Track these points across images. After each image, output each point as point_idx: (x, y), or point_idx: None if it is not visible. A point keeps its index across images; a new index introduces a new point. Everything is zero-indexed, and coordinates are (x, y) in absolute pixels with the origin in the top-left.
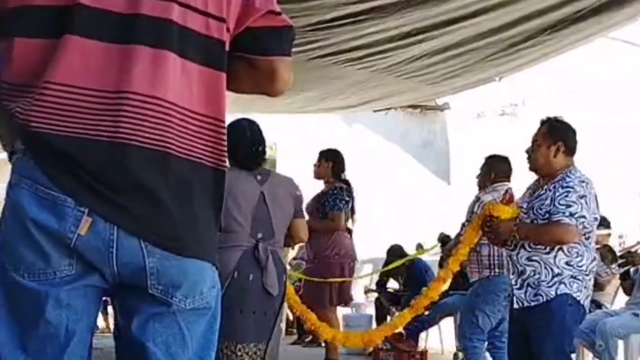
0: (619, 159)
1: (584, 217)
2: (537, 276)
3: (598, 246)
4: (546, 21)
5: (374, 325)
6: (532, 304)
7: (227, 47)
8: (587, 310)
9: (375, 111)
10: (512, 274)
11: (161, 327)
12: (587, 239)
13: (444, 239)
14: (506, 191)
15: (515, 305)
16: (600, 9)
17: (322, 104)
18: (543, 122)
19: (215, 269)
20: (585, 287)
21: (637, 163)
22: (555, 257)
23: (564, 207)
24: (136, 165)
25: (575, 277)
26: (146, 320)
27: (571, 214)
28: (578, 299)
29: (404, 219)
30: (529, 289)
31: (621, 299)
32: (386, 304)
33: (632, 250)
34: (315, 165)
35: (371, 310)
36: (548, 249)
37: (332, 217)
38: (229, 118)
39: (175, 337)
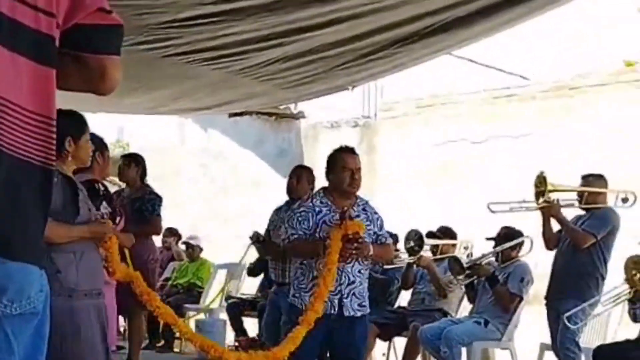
0: (465, 170)
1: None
2: (362, 286)
3: (446, 256)
4: (397, 34)
5: (228, 330)
6: (358, 313)
7: (57, 43)
8: None
9: (230, 115)
10: (341, 284)
11: None
12: None
13: (258, 237)
14: (345, 210)
15: (346, 314)
16: (449, 27)
17: (175, 104)
18: None
19: (44, 272)
20: None
21: (484, 175)
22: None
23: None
24: None
25: None
26: None
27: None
28: None
29: (259, 226)
30: (354, 298)
31: (466, 307)
32: (242, 309)
33: (478, 262)
34: (124, 167)
35: (224, 315)
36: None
37: (154, 221)
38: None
39: (0, 344)
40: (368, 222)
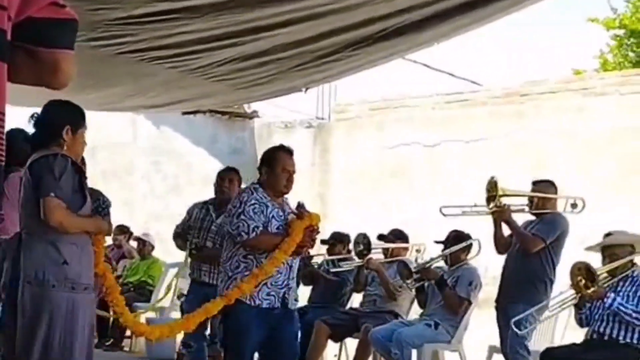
0: (417, 174)
1: None
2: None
3: (397, 258)
4: (353, 37)
5: None
6: (296, 306)
7: (9, 37)
8: None
9: (184, 113)
10: (288, 278)
11: None
12: None
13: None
14: (302, 205)
15: (289, 307)
16: (403, 31)
17: (128, 102)
18: None
19: None
20: None
21: (436, 179)
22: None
23: None
24: None
25: None
26: None
27: None
28: None
29: None
30: (293, 292)
31: (417, 309)
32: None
33: (427, 266)
34: None
35: (177, 314)
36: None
37: None
38: (31, 111)
39: None
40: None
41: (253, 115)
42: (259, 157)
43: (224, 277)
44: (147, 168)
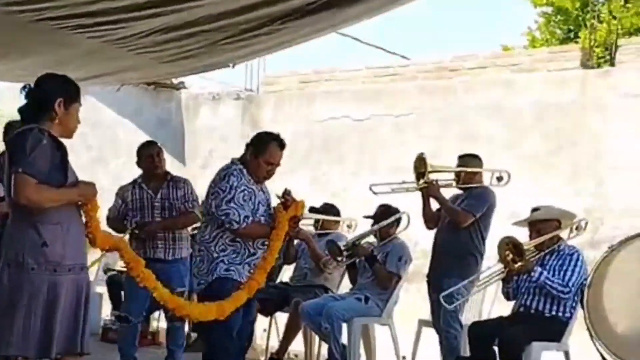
0: (347, 148)
1: None
2: None
3: (328, 231)
4: (279, 10)
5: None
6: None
7: None
8: None
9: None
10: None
11: None
12: None
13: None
14: (289, 192)
15: None
16: (332, 4)
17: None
18: None
19: None
20: None
21: (366, 153)
22: None
23: None
24: None
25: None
26: None
27: None
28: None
29: None
30: None
31: (348, 283)
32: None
33: (357, 242)
34: None
35: (102, 288)
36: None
37: None
38: None
39: None
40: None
41: (179, 86)
42: (186, 128)
43: (207, 257)
44: (71, 139)
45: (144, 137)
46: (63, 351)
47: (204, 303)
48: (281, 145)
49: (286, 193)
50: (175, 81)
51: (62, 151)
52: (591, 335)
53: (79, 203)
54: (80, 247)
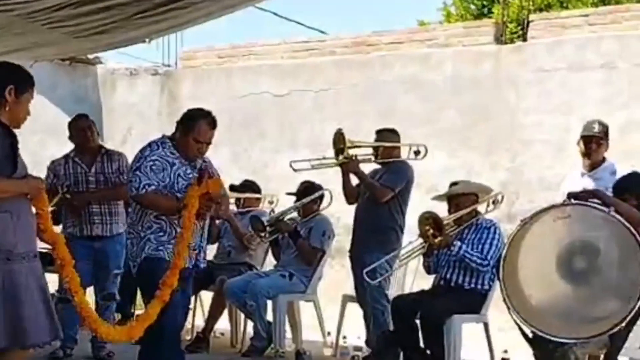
0: (267, 123)
1: None
2: None
3: (250, 209)
4: None
5: None
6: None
7: None
8: None
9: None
10: (202, 240)
11: None
12: None
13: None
14: (204, 168)
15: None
16: None
17: None
18: None
19: None
20: None
21: (286, 129)
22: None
23: None
24: None
25: None
26: None
27: None
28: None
29: None
30: (203, 253)
31: (272, 260)
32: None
33: (280, 218)
34: None
35: None
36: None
37: None
38: None
39: None
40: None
41: (95, 61)
42: (103, 105)
43: (136, 237)
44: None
45: (60, 114)
46: (44, 340)
47: (115, 327)
48: (211, 123)
49: (201, 169)
50: (90, 57)
51: (12, 139)
52: (508, 307)
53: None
54: (31, 235)
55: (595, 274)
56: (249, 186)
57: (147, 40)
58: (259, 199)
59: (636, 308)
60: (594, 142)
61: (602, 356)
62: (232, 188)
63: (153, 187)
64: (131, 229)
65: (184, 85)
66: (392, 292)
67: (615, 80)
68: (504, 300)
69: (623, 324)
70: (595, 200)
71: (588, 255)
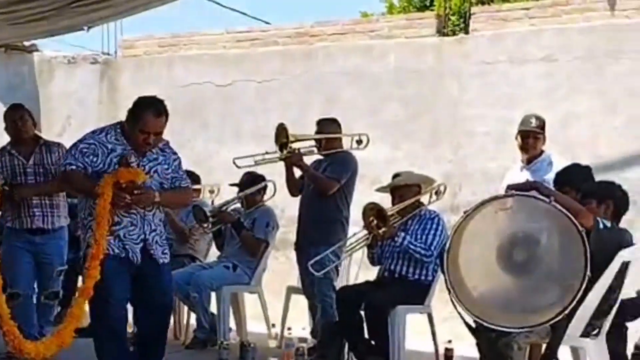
0: (210, 114)
1: None
2: (164, 234)
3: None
4: None
5: None
6: (165, 260)
7: None
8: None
9: None
10: (145, 232)
11: None
12: None
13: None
14: (124, 156)
15: (157, 261)
16: None
17: None
18: None
19: None
20: None
21: (229, 120)
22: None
23: (182, 172)
24: None
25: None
26: None
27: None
28: None
29: None
30: (158, 246)
31: (216, 252)
32: None
33: (223, 209)
34: None
35: None
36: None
37: None
38: None
39: None
40: (166, 165)
41: (32, 49)
42: (41, 93)
43: (82, 227)
44: None
45: None
46: None
47: (43, 341)
48: (157, 112)
49: (122, 157)
50: (27, 44)
51: None
52: (451, 298)
53: None
54: None
55: (537, 264)
56: (188, 176)
57: (86, 28)
58: (198, 190)
59: (577, 297)
60: (531, 137)
61: (544, 345)
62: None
63: (73, 167)
64: (78, 218)
65: (125, 74)
66: (338, 284)
67: (555, 74)
68: (448, 291)
69: (564, 314)
70: (535, 192)
71: (529, 246)
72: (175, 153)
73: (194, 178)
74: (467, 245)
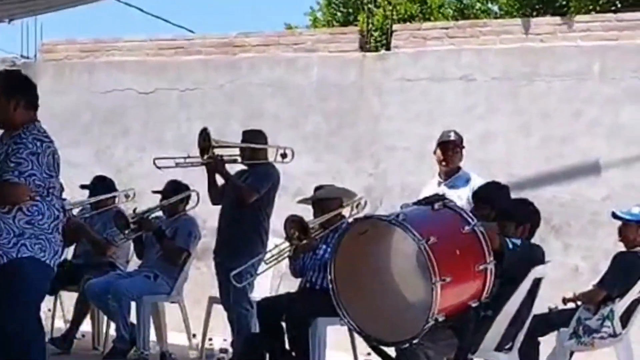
0: (131, 122)
1: (34, 175)
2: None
3: (108, 207)
4: None
5: None
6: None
7: None
8: (54, 269)
9: None
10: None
11: None
12: (48, 196)
13: None
14: None
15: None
16: None
17: None
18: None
19: None
20: (49, 246)
21: (151, 127)
22: (14, 217)
23: (14, 165)
24: None
25: (37, 237)
26: None
27: (20, 173)
28: (43, 259)
29: None
30: None
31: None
32: None
33: (145, 216)
34: None
35: None
36: (7, 208)
37: None
38: None
39: None
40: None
41: None
42: None
43: None
44: None
45: None
46: None
47: None
48: None
49: None
50: None
51: None
52: (340, 313)
53: None
54: None
55: (395, 286)
56: (101, 183)
57: (7, 20)
58: (113, 198)
59: (430, 322)
60: (450, 148)
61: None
62: (84, 187)
63: None
64: None
65: (44, 79)
66: (257, 295)
67: (473, 92)
68: (337, 306)
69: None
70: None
71: (386, 268)
72: (21, 142)
73: (107, 184)
74: (344, 264)
